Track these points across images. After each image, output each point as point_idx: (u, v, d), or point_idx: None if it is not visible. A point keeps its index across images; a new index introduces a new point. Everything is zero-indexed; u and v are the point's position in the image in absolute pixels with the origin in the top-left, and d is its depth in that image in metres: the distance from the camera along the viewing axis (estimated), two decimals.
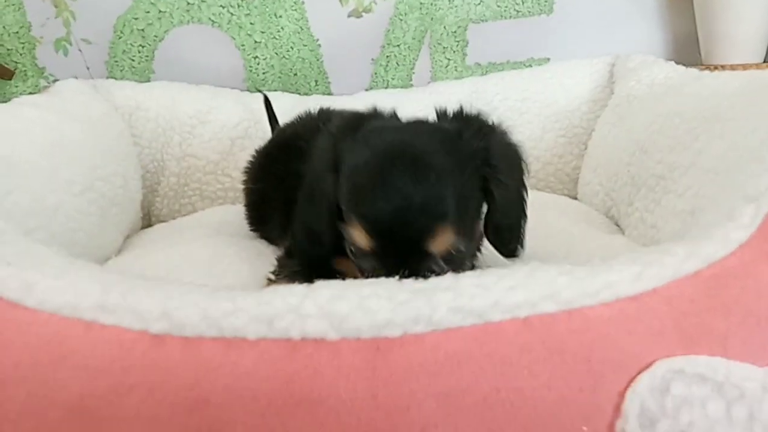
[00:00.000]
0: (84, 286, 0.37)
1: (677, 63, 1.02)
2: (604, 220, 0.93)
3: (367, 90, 1.33)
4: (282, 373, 0.33)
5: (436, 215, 0.47)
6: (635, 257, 0.39)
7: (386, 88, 1.35)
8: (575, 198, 1.11)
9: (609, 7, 1.32)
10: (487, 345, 0.34)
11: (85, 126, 0.87)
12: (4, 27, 1.22)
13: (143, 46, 1.26)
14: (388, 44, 1.33)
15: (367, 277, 0.47)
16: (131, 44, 1.26)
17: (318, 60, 1.32)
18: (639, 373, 0.33)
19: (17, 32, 1.23)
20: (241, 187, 0.90)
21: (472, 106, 0.57)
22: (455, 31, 1.33)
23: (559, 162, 1.18)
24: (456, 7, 1.31)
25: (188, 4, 1.25)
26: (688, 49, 1.32)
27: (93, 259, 0.74)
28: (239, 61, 1.30)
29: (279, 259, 0.67)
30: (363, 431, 0.32)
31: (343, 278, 0.43)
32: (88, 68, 1.27)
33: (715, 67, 1.20)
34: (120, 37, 1.25)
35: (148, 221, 1.10)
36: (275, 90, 1.29)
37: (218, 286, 0.55)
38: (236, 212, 0.93)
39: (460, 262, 0.50)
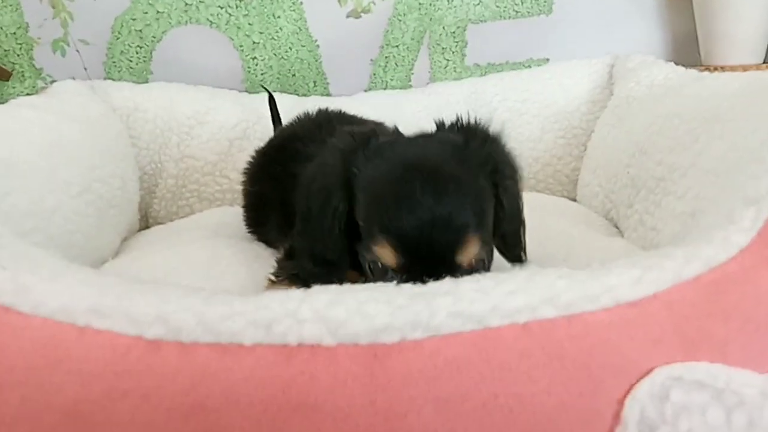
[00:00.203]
0: (79, 289, 0.37)
1: (677, 63, 1.02)
2: (603, 222, 0.92)
3: (365, 91, 1.33)
4: (278, 379, 0.33)
5: (462, 226, 0.46)
6: (635, 261, 0.39)
7: (385, 88, 1.34)
8: (574, 200, 1.11)
9: (608, 7, 1.31)
10: (486, 351, 0.33)
11: (83, 127, 0.86)
12: (1, 28, 1.21)
13: (141, 47, 1.26)
14: (387, 45, 1.32)
15: None
16: (129, 45, 1.25)
17: (316, 61, 1.32)
18: (639, 379, 0.33)
19: (14, 33, 1.22)
20: (240, 188, 0.90)
21: (468, 113, 0.57)
22: (454, 32, 1.33)
23: (558, 163, 1.17)
24: (455, 7, 1.31)
25: (186, 4, 1.24)
26: (687, 49, 1.32)
27: (90, 261, 0.74)
28: (237, 62, 1.30)
29: (279, 261, 0.67)
30: None
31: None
32: (85, 69, 1.26)
33: (715, 68, 1.20)
34: (118, 38, 1.25)
35: (145, 223, 1.10)
36: (274, 91, 1.28)
37: (216, 288, 0.55)
38: (234, 214, 0.93)
39: (482, 271, 0.49)
